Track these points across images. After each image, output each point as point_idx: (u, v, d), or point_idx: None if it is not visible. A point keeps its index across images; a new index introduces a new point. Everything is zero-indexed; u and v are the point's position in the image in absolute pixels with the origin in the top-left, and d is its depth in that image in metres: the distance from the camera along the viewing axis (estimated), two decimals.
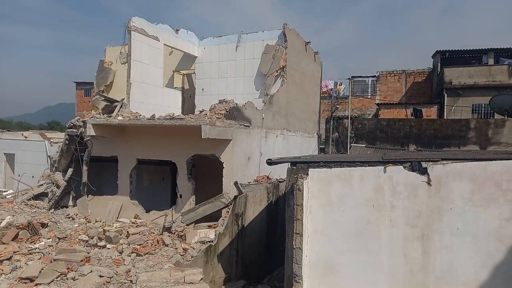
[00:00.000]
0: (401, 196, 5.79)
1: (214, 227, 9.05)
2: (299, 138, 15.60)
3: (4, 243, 9.01)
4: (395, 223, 5.80)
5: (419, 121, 19.34)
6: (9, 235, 9.23)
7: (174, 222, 9.57)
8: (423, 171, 5.69)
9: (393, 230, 5.81)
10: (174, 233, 9.14)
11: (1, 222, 10.86)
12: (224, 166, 10.79)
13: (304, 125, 16.12)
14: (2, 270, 7.63)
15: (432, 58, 27.60)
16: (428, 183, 5.67)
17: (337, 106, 22.12)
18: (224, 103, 11.57)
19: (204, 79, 15.91)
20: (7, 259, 8.04)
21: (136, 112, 12.45)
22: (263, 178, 10.97)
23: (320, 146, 18.66)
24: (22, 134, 19.66)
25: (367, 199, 5.92)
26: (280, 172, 11.44)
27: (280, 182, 10.67)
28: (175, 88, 16.63)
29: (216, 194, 10.35)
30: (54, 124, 79.62)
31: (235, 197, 9.20)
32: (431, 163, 5.67)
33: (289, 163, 6.44)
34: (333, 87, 23.33)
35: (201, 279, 6.91)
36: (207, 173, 12.78)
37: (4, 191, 16.37)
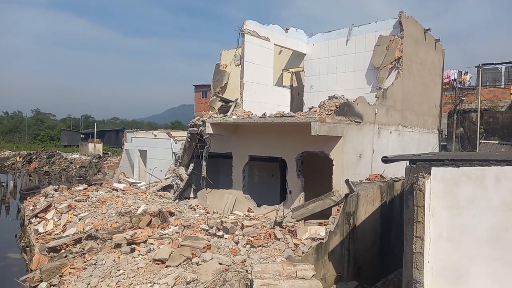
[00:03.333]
0: None
1: (324, 225, 8.96)
2: (417, 134, 14.39)
3: (140, 228, 10.41)
4: None
5: None
6: (144, 221, 10.62)
7: (285, 217, 9.77)
8: None
9: None
10: (285, 228, 9.34)
11: (137, 209, 12.59)
12: (334, 163, 10.58)
13: (422, 120, 14.81)
14: (140, 252, 8.82)
15: None
16: None
17: (462, 98, 19.73)
18: (334, 99, 11.34)
19: (313, 76, 15.84)
20: (143, 242, 9.26)
21: (249, 111, 13.06)
22: (376, 176, 10.44)
23: (442, 143, 16.90)
24: (152, 133, 22.40)
25: (505, 203, 5.15)
26: (395, 170, 10.76)
27: (395, 181, 10.02)
28: (284, 86, 16.94)
29: (326, 191, 10.22)
30: (176, 124, 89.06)
31: (346, 195, 8.96)
32: None
33: (408, 161, 5.98)
34: (456, 77, 20.88)
35: (313, 275, 6.91)
36: (316, 170, 12.72)
37: (139, 183, 18.89)
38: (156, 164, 19.63)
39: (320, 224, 9.25)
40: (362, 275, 8.89)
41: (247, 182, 13.51)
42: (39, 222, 13.02)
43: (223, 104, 13.95)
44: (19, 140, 75.68)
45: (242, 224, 9.95)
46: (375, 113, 11.83)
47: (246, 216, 11.37)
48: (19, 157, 49.06)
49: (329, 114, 10.37)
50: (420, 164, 5.66)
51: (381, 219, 9.58)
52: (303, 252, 7.94)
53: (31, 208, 15.24)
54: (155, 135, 21.73)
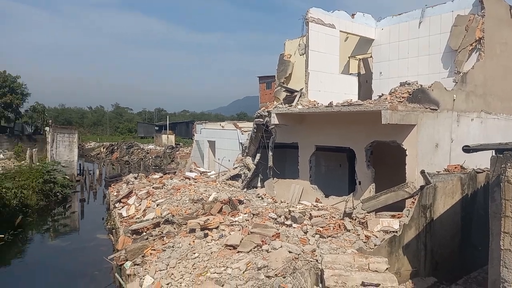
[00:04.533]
0: None
1: (398, 217, 8.63)
2: (502, 121, 13.09)
3: (212, 214, 10.92)
4: None
5: None
6: (215, 208, 11.11)
7: (354, 209, 9.58)
8: None
9: None
10: (355, 219, 9.16)
11: (209, 197, 13.19)
12: (407, 153, 10.10)
13: (509, 106, 13.42)
14: (212, 237, 9.27)
15: None
16: None
17: None
18: (406, 85, 10.78)
19: (382, 62, 15.12)
20: (215, 228, 9.71)
21: (314, 101, 12.92)
22: (455, 167, 9.74)
23: None
24: (220, 124, 23.18)
25: None
26: (478, 161, 9.94)
27: (478, 172, 9.26)
28: (350, 74, 16.43)
29: (398, 183, 9.81)
30: (242, 115, 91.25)
31: (422, 187, 8.51)
32: None
33: (494, 151, 5.52)
34: None
35: (386, 269, 6.73)
36: (386, 160, 12.23)
37: (208, 172, 19.75)
38: (224, 154, 20.33)
39: (393, 216, 8.93)
40: (441, 271, 8.42)
41: (314, 173, 13.45)
42: (122, 207, 14.29)
43: (288, 94, 13.95)
44: (102, 132, 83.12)
45: (310, 214, 9.97)
46: (453, 100, 11.01)
47: (314, 206, 11.35)
48: (103, 148, 53.99)
49: (401, 102, 9.88)
50: (508, 154, 5.19)
51: (462, 212, 8.94)
52: (375, 245, 7.75)
53: (115, 194, 16.74)
54: (223, 126, 22.45)
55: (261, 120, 14.43)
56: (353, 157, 11.81)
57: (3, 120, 44.64)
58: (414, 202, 8.26)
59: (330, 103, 11.26)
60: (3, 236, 13.46)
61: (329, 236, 8.50)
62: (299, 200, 12.63)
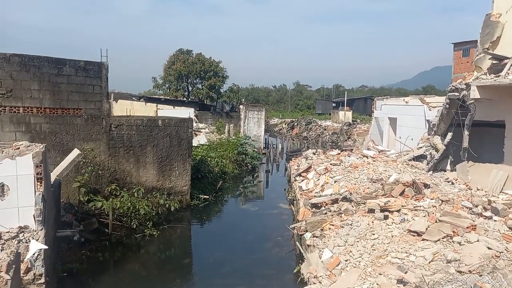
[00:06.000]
0: None
1: None
2: None
3: (393, 196, 10.33)
4: None
5: None
6: (397, 190, 10.46)
7: None
8: None
9: None
10: None
11: (389, 178, 12.50)
12: None
13: None
14: (393, 220, 8.79)
15: None
16: None
17: None
18: None
19: None
20: (396, 211, 9.16)
21: None
22: None
23: None
24: (403, 100, 21.44)
25: None
26: None
27: None
28: None
29: None
30: (428, 89, 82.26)
31: None
32: None
33: None
34: None
35: None
36: None
37: (388, 151, 18.68)
38: (406, 132, 18.83)
39: None
40: None
41: None
42: (302, 180, 15.14)
43: (495, 62, 11.67)
44: (284, 109, 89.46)
45: None
46: None
47: None
48: (285, 124, 58.25)
49: None
50: None
51: None
52: None
53: (295, 167, 17.86)
54: (407, 102, 20.70)
55: (456, 94, 12.57)
56: None
57: (208, 99, 53.49)
58: None
59: None
60: (208, 197, 16.28)
61: None
62: (502, 189, 10.57)
